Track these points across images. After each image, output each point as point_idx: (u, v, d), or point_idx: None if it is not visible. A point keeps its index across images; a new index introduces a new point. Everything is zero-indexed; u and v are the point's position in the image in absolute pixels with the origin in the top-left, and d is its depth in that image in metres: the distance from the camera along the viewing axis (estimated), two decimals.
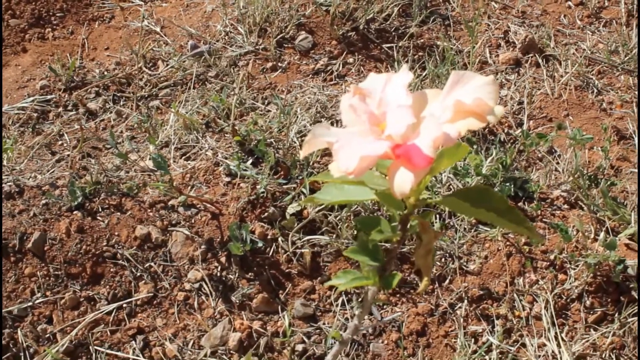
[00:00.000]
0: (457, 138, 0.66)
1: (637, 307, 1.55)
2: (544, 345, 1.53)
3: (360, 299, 1.58)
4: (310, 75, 2.13)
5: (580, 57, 2.26)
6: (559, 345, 1.52)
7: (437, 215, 1.70)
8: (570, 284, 1.61)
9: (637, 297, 1.57)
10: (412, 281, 1.62)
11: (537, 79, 2.20)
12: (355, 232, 1.64)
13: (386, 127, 0.68)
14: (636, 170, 1.89)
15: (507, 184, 1.72)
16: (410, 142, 0.66)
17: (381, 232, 0.79)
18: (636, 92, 2.16)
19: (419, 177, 0.66)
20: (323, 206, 1.66)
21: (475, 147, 1.86)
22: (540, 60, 2.25)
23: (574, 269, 1.62)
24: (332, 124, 1.91)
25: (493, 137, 1.94)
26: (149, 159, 1.79)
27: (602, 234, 1.65)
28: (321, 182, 1.62)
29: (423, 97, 0.72)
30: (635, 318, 1.55)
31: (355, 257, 0.81)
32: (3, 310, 1.53)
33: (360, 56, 2.21)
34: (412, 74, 0.71)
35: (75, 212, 1.66)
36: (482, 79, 0.68)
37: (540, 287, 1.61)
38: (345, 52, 2.21)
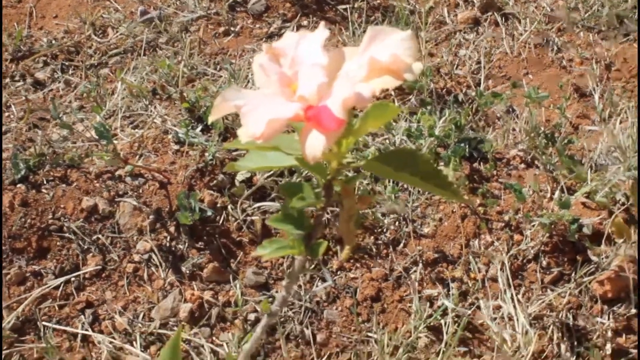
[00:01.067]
0: (372, 98, 0.62)
1: (592, 269, 1.54)
2: (500, 307, 1.51)
3: (315, 268, 1.55)
4: (264, 39, 2.08)
5: (540, 14, 2.22)
6: (515, 307, 1.50)
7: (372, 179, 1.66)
8: (526, 244, 1.58)
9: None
10: (366, 247, 1.60)
11: (496, 37, 2.17)
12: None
13: (297, 88, 0.65)
14: (595, 128, 1.87)
15: (462, 144, 1.69)
16: (322, 103, 0.62)
17: (303, 198, 0.75)
18: (596, 50, 2.13)
19: (331, 140, 0.62)
20: (272, 172, 1.62)
21: (429, 107, 1.83)
22: (499, 19, 2.21)
23: (530, 230, 1.60)
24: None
25: (448, 98, 1.90)
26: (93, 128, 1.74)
27: (557, 193, 1.62)
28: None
29: (340, 55, 0.67)
30: (591, 277, 1.53)
31: (278, 226, 0.78)
32: None
33: (315, 18, 2.16)
34: (327, 30, 0.67)
35: (19, 186, 1.61)
36: (400, 34, 0.64)
37: (496, 249, 1.59)
38: (299, 15, 2.16)
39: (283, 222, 0.78)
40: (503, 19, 2.22)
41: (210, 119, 0.67)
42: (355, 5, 2.19)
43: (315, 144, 0.62)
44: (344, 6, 2.19)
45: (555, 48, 2.14)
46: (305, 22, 2.15)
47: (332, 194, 0.75)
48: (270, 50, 0.68)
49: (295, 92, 0.64)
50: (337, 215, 0.76)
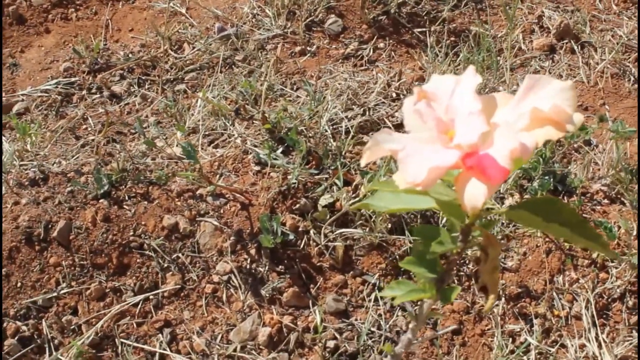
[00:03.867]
0: (534, 149, 0.61)
1: None
2: (584, 346, 1.48)
3: (392, 297, 1.53)
4: (340, 60, 2.08)
5: (617, 43, 2.19)
6: (600, 347, 1.47)
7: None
8: (611, 283, 1.55)
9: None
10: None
11: (572, 66, 2.14)
12: (388, 226, 1.59)
13: (455, 135, 0.63)
14: None
15: (547, 177, 1.67)
16: (483, 152, 0.61)
17: (441, 243, 0.74)
18: None
19: (493, 190, 0.61)
20: (357, 199, 1.61)
21: None
22: (575, 47, 2.18)
23: (616, 268, 1.57)
24: (364, 112, 1.85)
25: None
26: (176, 145, 1.74)
27: None
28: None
29: (492, 101, 0.66)
30: None
31: (412, 269, 0.77)
32: (28, 301, 1.50)
33: (391, 41, 2.15)
34: (479, 76, 0.65)
35: (101, 201, 1.61)
36: (560, 83, 0.63)
37: (581, 286, 1.56)
38: (375, 37, 2.15)
39: (416, 265, 0.77)
40: (579, 47, 2.19)
41: (363, 162, 0.66)
42: (432, 29, 2.17)
43: (477, 193, 0.60)
44: (420, 29, 2.18)
45: (633, 78, 2.11)
46: (381, 45, 2.14)
47: (469, 239, 0.74)
48: (423, 94, 0.66)
49: (451, 138, 0.63)
50: (478, 263, 0.74)
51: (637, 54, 2.18)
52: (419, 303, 0.90)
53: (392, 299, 1.53)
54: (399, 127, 1.80)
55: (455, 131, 0.64)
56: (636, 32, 2.26)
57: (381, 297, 1.54)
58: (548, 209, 0.69)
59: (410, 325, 0.82)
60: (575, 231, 0.68)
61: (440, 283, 0.77)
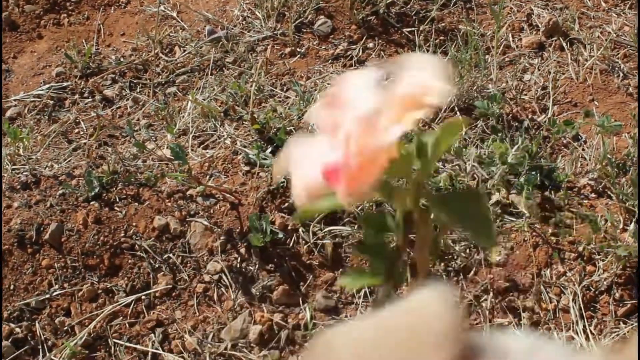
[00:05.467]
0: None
1: None
2: (572, 338, 1.50)
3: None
4: (330, 61, 2.09)
5: (606, 40, 2.20)
6: (587, 339, 1.48)
7: None
8: (598, 275, 1.57)
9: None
10: (437, 273, 1.59)
11: (561, 63, 2.15)
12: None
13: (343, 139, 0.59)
14: None
15: (533, 172, 1.68)
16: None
17: (387, 229, 0.75)
18: None
19: (355, 197, 0.57)
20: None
21: (499, 134, 1.82)
22: (564, 44, 2.20)
23: (603, 261, 1.58)
24: None
25: (517, 124, 1.89)
26: (167, 147, 1.76)
27: (632, 225, 1.60)
28: None
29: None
30: None
31: (362, 256, 0.78)
32: (21, 303, 1.51)
33: (380, 41, 2.17)
34: (377, 69, 0.61)
35: (92, 203, 1.63)
36: (423, 56, 0.58)
37: (568, 279, 1.57)
38: (365, 37, 2.17)
39: (366, 251, 0.78)
40: (568, 44, 2.20)
41: (274, 179, 0.63)
42: (421, 28, 2.19)
43: (342, 200, 0.57)
44: (409, 29, 2.19)
45: (622, 74, 2.12)
46: (371, 45, 2.15)
47: (412, 223, 0.75)
48: (327, 98, 0.61)
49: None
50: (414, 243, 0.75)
51: (625, 50, 2.20)
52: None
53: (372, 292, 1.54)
54: None
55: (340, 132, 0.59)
56: (625, 28, 2.28)
57: (370, 293, 1.56)
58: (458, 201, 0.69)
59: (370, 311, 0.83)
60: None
61: (392, 267, 0.78)
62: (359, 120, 0.55)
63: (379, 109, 0.56)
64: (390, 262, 0.77)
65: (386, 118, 0.56)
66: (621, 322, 1.52)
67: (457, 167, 1.72)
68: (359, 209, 1.62)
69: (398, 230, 0.74)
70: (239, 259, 1.58)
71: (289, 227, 1.62)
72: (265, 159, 1.70)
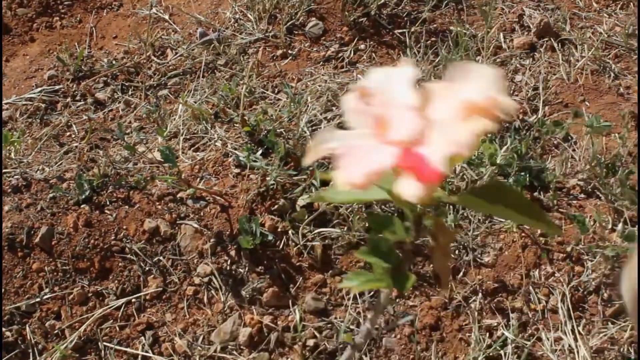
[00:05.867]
0: (474, 144, 0.61)
1: None
2: (561, 339, 1.50)
3: (371, 295, 1.55)
4: (321, 63, 2.10)
5: (597, 40, 2.20)
6: (575, 339, 1.49)
7: (452, 207, 1.66)
8: (587, 276, 1.57)
9: None
10: (426, 274, 1.59)
11: (553, 63, 2.15)
12: (366, 225, 1.61)
13: (390, 131, 0.64)
14: None
15: (522, 173, 1.68)
16: (418, 150, 0.61)
17: (394, 232, 0.76)
18: None
19: (429, 191, 0.61)
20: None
21: (489, 135, 1.82)
22: (555, 45, 2.20)
23: (591, 261, 1.58)
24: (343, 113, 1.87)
25: (507, 124, 1.90)
26: (157, 150, 1.76)
27: (620, 225, 1.61)
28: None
29: (428, 93, 0.67)
30: None
31: (367, 259, 0.78)
32: (12, 306, 1.52)
33: (372, 42, 2.17)
34: (415, 68, 0.65)
35: (83, 206, 1.64)
36: (488, 70, 0.62)
37: (557, 280, 1.58)
38: (356, 39, 2.17)
39: (371, 254, 0.78)
40: (559, 45, 2.21)
41: (305, 163, 0.67)
42: (412, 30, 2.19)
43: (411, 193, 0.61)
44: (400, 30, 2.20)
45: (613, 75, 2.12)
46: (362, 46, 2.16)
47: (421, 228, 0.75)
48: (362, 91, 0.67)
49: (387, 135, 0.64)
50: (432, 250, 0.75)
51: (616, 50, 2.20)
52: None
53: (372, 296, 1.55)
54: None
55: (390, 127, 0.64)
56: (616, 28, 2.28)
57: (360, 295, 1.56)
58: (493, 193, 0.70)
59: (369, 315, 0.84)
60: (520, 211, 0.69)
61: (396, 272, 0.78)
62: (439, 122, 0.60)
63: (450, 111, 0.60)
64: (397, 267, 0.77)
65: (452, 122, 0.59)
66: (609, 323, 1.52)
67: None
68: (348, 210, 1.63)
69: (408, 234, 0.74)
70: (229, 261, 1.59)
71: (279, 229, 1.63)
72: (255, 161, 1.71)
